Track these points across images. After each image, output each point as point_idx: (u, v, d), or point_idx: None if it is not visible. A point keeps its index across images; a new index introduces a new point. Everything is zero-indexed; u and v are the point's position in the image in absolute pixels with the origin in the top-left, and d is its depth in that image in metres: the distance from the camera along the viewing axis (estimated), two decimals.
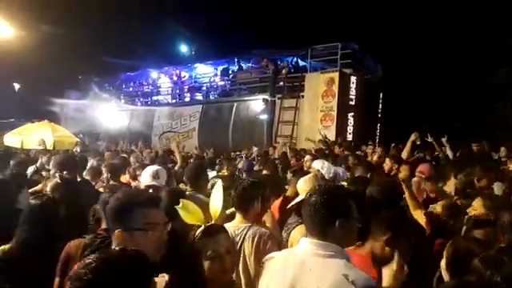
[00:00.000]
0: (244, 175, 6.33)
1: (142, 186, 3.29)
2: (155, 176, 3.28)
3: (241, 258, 2.54)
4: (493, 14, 17.70)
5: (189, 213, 1.86)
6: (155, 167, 3.61)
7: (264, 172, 5.87)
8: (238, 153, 10.59)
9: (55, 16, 20.79)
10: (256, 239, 2.59)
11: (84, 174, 4.90)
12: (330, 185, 1.84)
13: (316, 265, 1.65)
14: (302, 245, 1.78)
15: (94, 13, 21.95)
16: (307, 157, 6.75)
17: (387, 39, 19.59)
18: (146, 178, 3.40)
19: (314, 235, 1.74)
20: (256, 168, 6.75)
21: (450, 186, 4.35)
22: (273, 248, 2.51)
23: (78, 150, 9.82)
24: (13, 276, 2.49)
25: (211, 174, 6.33)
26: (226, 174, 6.12)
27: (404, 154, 6.07)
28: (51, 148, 8.63)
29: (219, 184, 2.08)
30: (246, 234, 2.63)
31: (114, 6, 22.83)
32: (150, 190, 3.14)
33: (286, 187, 4.59)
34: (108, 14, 22.73)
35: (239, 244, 2.58)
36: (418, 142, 6.34)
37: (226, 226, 2.66)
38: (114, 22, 23.71)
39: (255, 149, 10.52)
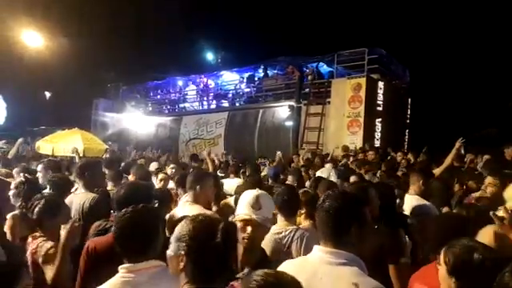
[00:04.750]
0: (270, 182, 6.30)
1: (237, 220, 2.22)
2: (255, 205, 2.22)
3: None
4: None
5: None
6: (254, 192, 2.34)
7: (289, 178, 5.84)
8: (260, 160, 10.53)
9: (84, 26, 21.39)
10: (305, 240, 2.80)
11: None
12: (345, 191, 1.79)
13: (327, 273, 1.65)
14: (315, 253, 1.77)
15: (123, 23, 22.43)
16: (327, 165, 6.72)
17: (415, 44, 19.27)
18: (241, 208, 2.29)
19: (328, 242, 1.73)
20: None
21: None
22: None
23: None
24: None
25: (235, 180, 6.37)
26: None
27: (448, 160, 5.80)
28: (81, 155, 8.80)
29: None
30: (293, 236, 2.83)
31: (142, 17, 23.33)
32: (248, 229, 2.20)
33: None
34: (136, 24, 23.23)
35: (287, 245, 2.79)
36: (463, 152, 6.03)
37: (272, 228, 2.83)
38: (142, 32, 24.20)
39: (279, 153, 10.49)
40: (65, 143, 9.32)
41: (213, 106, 19.57)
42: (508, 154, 7.03)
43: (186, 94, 21.29)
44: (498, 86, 18.27)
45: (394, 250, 2.78)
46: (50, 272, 2.56)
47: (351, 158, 8.95)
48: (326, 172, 5.75)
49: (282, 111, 15.07)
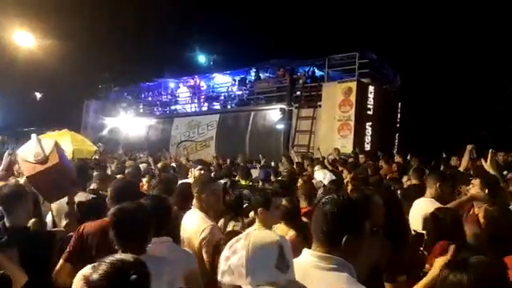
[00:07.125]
0: (260, 184, 6.34)
1: None
2: (281, 264, 1.39)
3: None
4: None
5: None
6: (274, 239, 1.46)
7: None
8: (249, 164, 10.57)
9: (76, 26, 21.25)
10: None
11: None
12: (343, 195, 1.72)
13: (318, 278, 1.58)
14: (304, 256, 1.70)
15: (115, 24, 22.36)
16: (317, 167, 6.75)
17: (406, 48, 19.39)
18: (262, 270, 1.37)
19: (319, 246, 1.66)
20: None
21: None
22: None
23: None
24: None
25: None
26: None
27: (463, 165, 5.89)
28: (70, 157, 8.74)
29: None
30: None
31: (134, 18, 23.25)
32: None
33: None
34: (128, 25, 23.14)
35: None
36: (475, 155, 6.06)
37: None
38: (134, 33, 24.12)
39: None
40: None
41: (204, 109, 19.53)
42: (502, 159, 7.17)
43: (178, 96, 21.24)
44: (487, 89, 18.48)
45: (391, 266, 2.55)
46: None
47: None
48: (322, 175, 5.75)
49: (273, 114, 15.11)
